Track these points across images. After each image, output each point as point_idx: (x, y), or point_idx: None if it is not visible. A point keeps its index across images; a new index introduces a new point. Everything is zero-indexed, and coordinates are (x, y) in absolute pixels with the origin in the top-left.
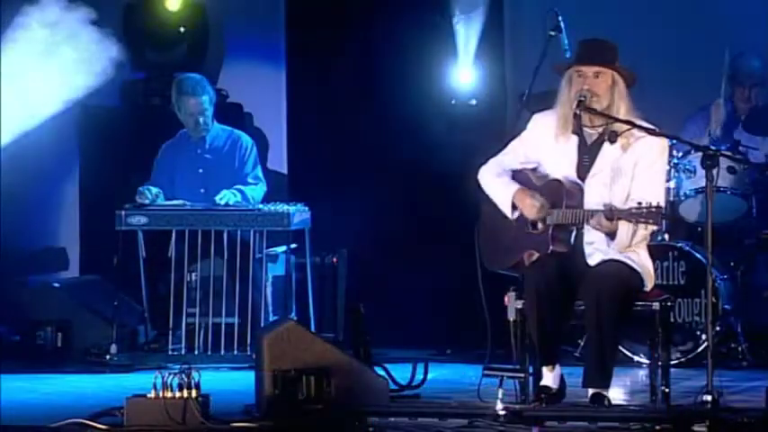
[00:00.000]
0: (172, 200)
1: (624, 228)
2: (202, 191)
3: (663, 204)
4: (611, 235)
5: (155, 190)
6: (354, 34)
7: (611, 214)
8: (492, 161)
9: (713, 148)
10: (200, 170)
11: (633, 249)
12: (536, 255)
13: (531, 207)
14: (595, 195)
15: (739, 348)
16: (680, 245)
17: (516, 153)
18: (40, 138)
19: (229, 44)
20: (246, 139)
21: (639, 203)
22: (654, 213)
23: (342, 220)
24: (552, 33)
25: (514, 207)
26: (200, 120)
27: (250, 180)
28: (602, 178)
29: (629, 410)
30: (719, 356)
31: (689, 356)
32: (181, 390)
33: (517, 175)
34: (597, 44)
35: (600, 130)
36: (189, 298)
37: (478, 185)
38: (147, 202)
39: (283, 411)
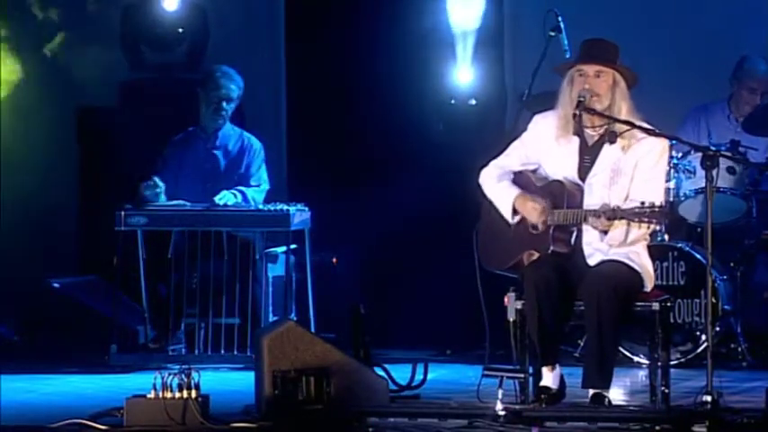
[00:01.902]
0: (175, 194)
1: (620, 225)
2: (208, 185)
3: (664, 203)
4: (605, 232)
5: (158, 181)
6: (354, 35)
7: (614, 214)
8: (492, 163)
9: (713, 148)
10: (208, 165)
11: (633, 249)
12: (536, 255)
13: (532, 210)
14: (595, 196)
15: (739, 349)
16: (680, 245)
17: (517, 154)
18: (39, 138)
19: (229, 45)
20: (256, 143)
21: (642, 203)
22: (657, 213)
23: (342, 220)
24: (552, 34)
25: (515, 212)
26: (223, 104)
27: (252, 182)
28: (603, 179)
29: (628, 411)
30: (719, 357)
31: (689, 357)
32: (181, 390)
33: (518, 177)
34: (599, 43)
35: (601, 131)
36: (189, 298)
37: (479, 188)
38: (148, 193)
39: (283, 412)
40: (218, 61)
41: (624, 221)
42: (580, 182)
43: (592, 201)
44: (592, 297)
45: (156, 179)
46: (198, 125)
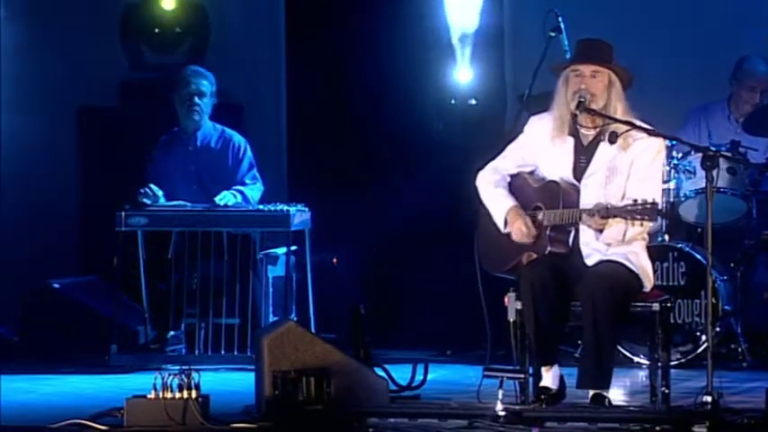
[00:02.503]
0: (169, 197)
1: (616, 223)
2: (195, 188)
3: (658, 201)
4: (600, 230)
5: (157, 190)
6: (354, 34)
7: (607, 212)
8: (489, 166)
9: (713, 148)
10: (192, 167)
11: (632, 250)
12: (534, 256)
13: (518, 230)
14: (591, 196)
15: (739, 349)
16: (680, 246)
17: (513, 157)
18: (39, 138)
19: (229, 44)
20: (239, 139)
21: (635, 200)
22: (649, 210)
23: (342, 220)
24: (552, 34)
25: (507, 223)
26: (195, 100)
27: (247, 181)
28: (598, 178)
29: (628, 411)
30: (719, 357)
31: (689, 357)
32: (181, 390)
33: (515, 179)
34: (594, 43)
35: (596, 130)
36: (189, 299)
37: (476, 192)
38: (148, 201)
39: (283, 412)
40: (219, 61)
41: (621, 220)
42: (575, 182)
43: (588, 200)
44: (588, 297)
45: (154, 187)
46: (179, 126)
